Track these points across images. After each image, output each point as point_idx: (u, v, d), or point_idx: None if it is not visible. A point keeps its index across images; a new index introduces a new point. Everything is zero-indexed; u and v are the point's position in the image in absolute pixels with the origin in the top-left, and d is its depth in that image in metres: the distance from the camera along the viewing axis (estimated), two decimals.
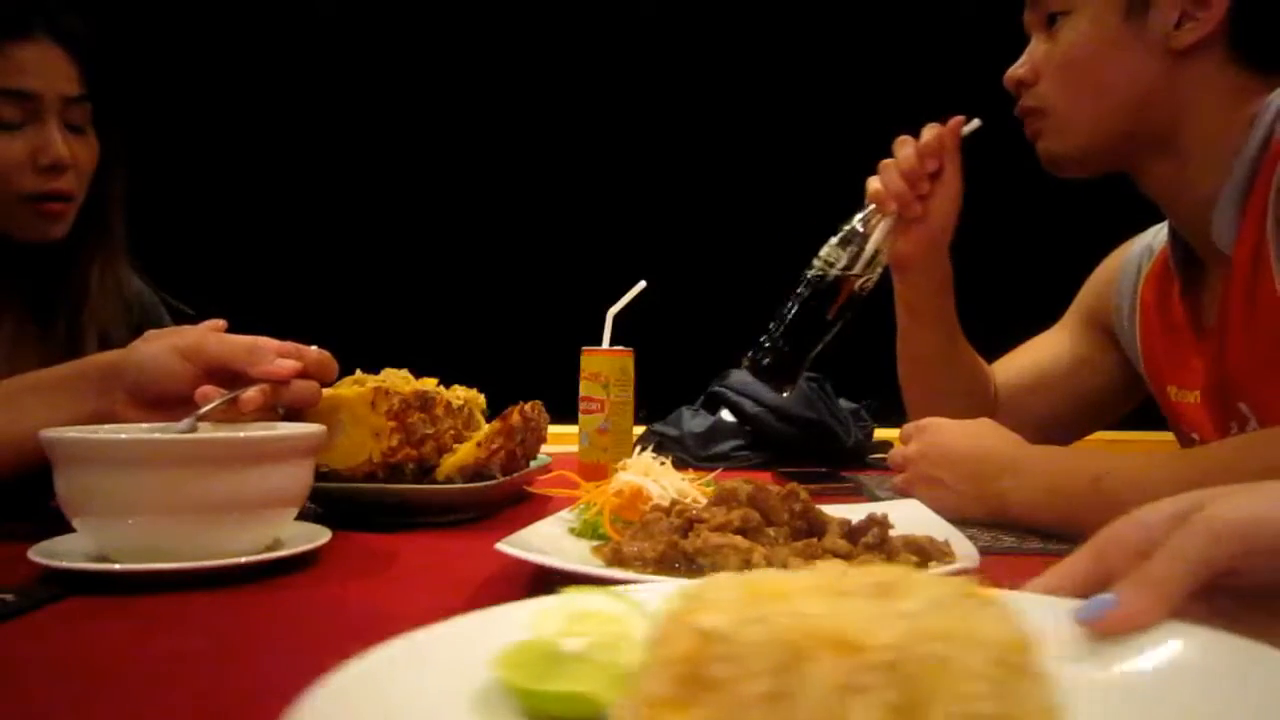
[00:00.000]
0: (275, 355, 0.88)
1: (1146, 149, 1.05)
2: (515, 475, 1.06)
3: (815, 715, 0.26)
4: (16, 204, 1.12)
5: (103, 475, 0.69)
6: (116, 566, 0.68)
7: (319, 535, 0.79)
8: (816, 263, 1.20)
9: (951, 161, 1.20)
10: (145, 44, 1.95)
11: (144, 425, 0.85)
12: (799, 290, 1.20)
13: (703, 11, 3.07)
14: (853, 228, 1.21)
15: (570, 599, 0.45)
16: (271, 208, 2.92)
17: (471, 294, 3.02)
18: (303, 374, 0.89)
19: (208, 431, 0.81)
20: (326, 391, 1.05)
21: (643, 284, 1.35)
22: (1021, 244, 2.58)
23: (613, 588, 0.49)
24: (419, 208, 3.09)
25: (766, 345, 1.20)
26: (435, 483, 0.99)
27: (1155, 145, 1.04)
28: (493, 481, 0.99)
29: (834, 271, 1.18)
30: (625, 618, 0.43)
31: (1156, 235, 1.25)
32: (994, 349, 1.41)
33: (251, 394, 0.85)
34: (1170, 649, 0.40)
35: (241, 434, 0.79)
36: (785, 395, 1.56)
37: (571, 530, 0.84)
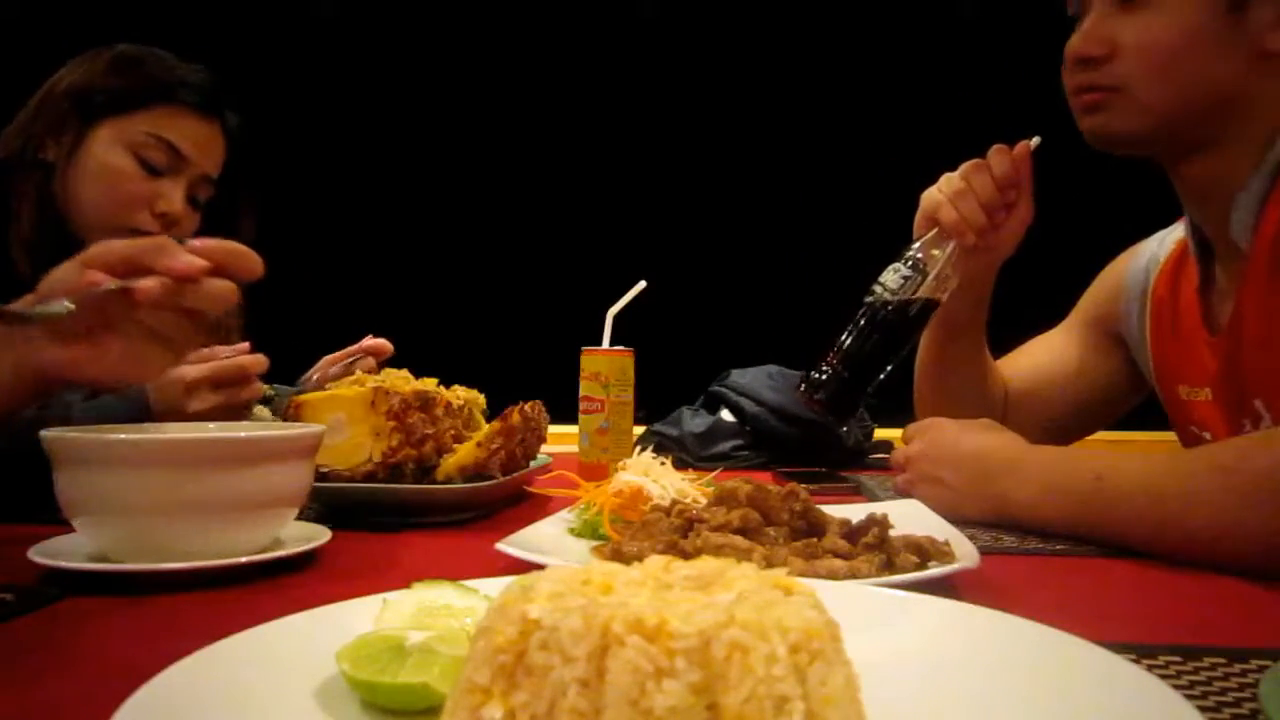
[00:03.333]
0: (184, 252, 0.77)
1: (1199, 140, 1.03)
2: (515, 475, 1.06)
3: (624, 695, 0.28)
4: (119, 233, 1.22)
5: (103, 475, 0.69)
6: (116, 566, 0.68)
7: (319, 535, 0.79)
8: (883, 291, 1.13)
9: (1025, 191, 1.17)
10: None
11: (144, 425, 0.85)
12: (867, 318, 1.13)
13: (702, 14, 3.07)
14: (920, 253, 1.15)
15: (419, 593, 0.46)
16: (273, 209, 2.91)
17: (472, 294, 3.02)
18: (217, 272, 0.78)
19: (209, 432, 0.81)
20: (326, 392, 1.05)
21: (643, 284, 1.35)
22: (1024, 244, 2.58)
23: (461, 582, 0.49)
24: (420, 209, 3.09)
25: (825, 377, 1.12)
26: (435, 483, 0.99)
27: (1209, 137, 1.03)
28: (493, 481, 0.99)
29: (914, 298, 1.13)
30: (473, 611, 0.44)
31: (1164, 239, 1.25)
32: (996, 348, 1.40)
33: (148, 283, 0.75)
34: (963, 633, 0.45)
35: (242, 434, 0.79)
36: (845, 430, 1.56)
37: (571, 530, 0.84)
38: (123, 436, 0.77)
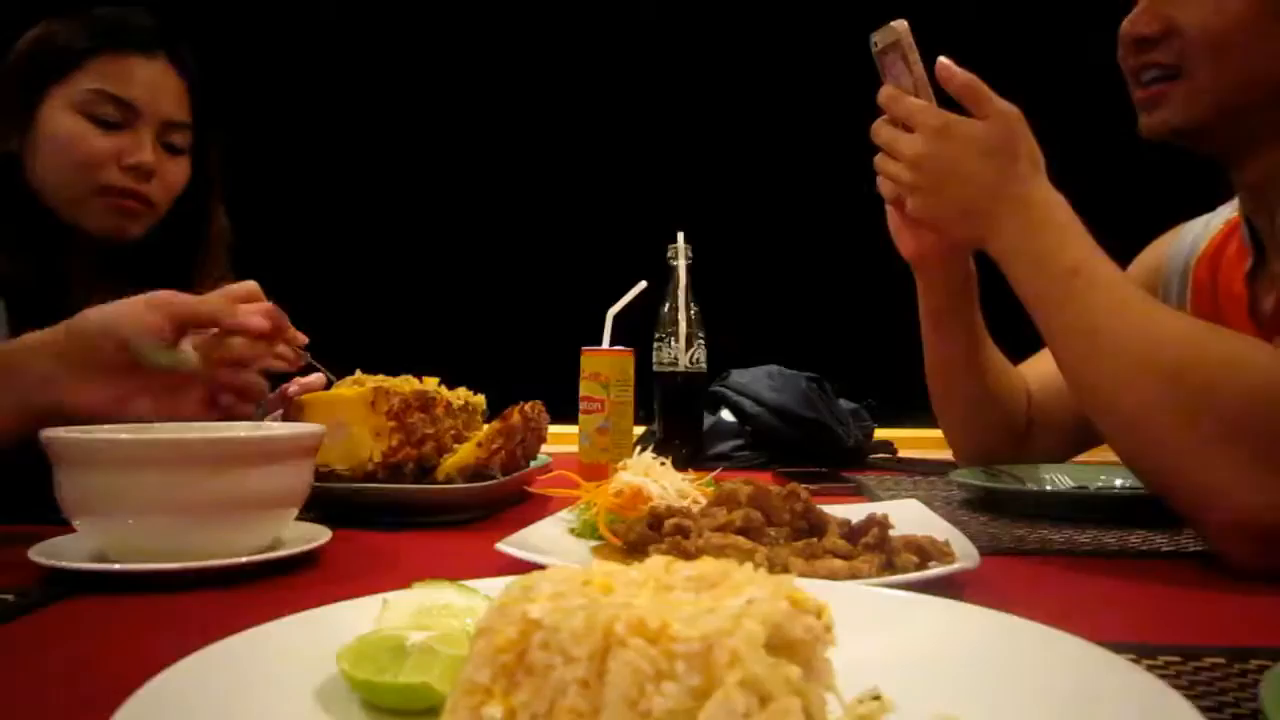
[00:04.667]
0: (251, 313, 0.92)
1: (1259, 134, 1.01)
2: (515, 475, 1.06)
3: (623, 696, 0.28)
4: (93, 195, 1.21)
5: (103, 475, 0.69)
6: (116, 566, 0.68)
7: (319, 535, 0.79)
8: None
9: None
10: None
11: (146, 425, 0.84)
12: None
13: (699, 14, 3.07)
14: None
15: (419, 593, 0.46)
16: (273, 210, 2.92)
17: (472, 295, 3.02)
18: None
19: (210, 432, 0.81)
20: (326, 392, 1.05)
21: (643, 284, 1.35)
22: None
23: (462, 582, 0.49)
24: (420, 210, 3.09)
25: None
26: (435, 483, 0.99)
27: (1268, 133, 1.00)
28: (493, 481, 0.99)
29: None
30: (473, 611, 0.44)
31: (1209, 222, 1.22)
32: (1018, 351, 1.37)
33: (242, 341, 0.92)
34: (962, 633, 0.45)
35: (242, 434, 0.79)
36: (845, 430, 1.59)
37: (572, 531, 0.84)
38: (123, 436, 0.76)
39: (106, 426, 0.81)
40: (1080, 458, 1.33)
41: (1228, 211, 1.15)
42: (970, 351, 1.26)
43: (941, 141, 0.96)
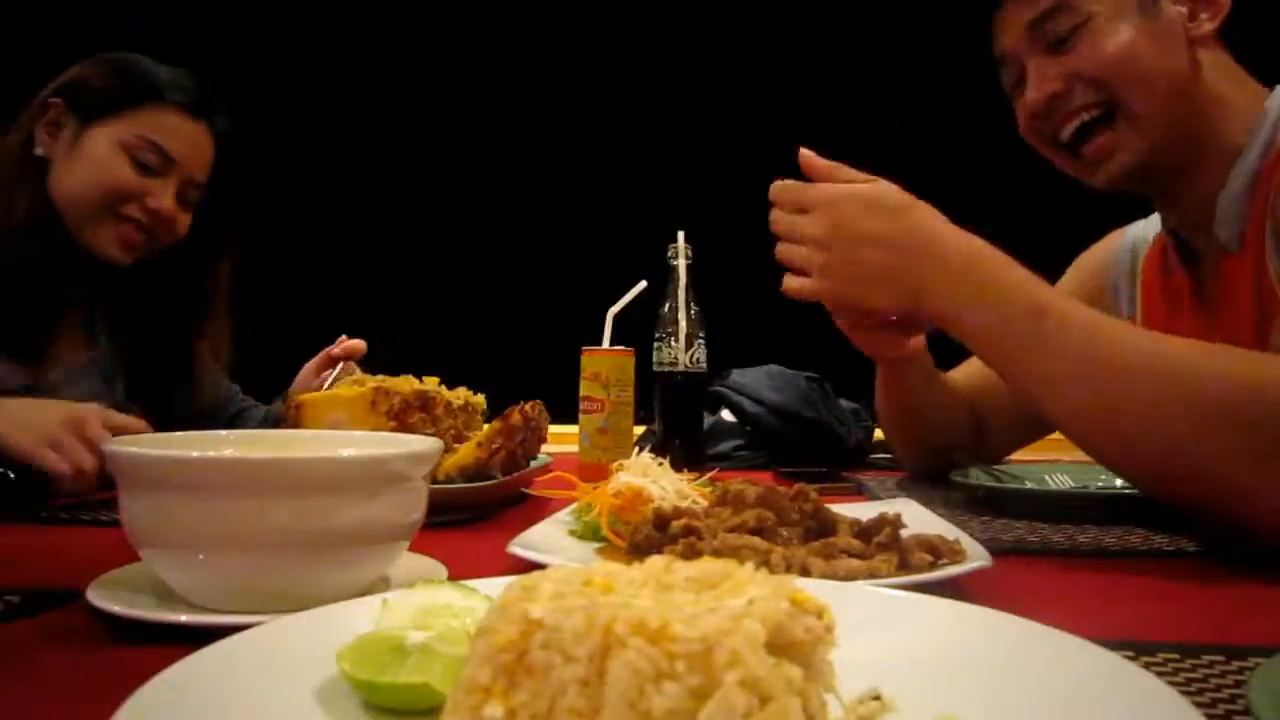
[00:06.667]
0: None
1: (1186, 157, 1.05)
2: (515, 475, 1.06)
3: (623, 696, 0.28)
4: (108, 218, 1.34)
5: (164, 501, 0.56)
6: (183, 619, 0.56)
7: (433, 572, 0.67)
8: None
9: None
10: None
11: (234, 436, 0.71)
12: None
13: (700, 14, 3.07)
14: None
15: (419, 593, 0.46)
16: (276, 212, 2.92)
17: (473, 295, 3.03)
18: None
19: (291, 451, 0.67)
20: (327, 392, 1.05)
21: (643, 284, 1.36)
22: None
23: (462, 582, 0.49)
24: (420, 210, 3.09)
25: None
26: (435, 482, 0.99)
27: (1192, 148, 1.05)
28: (493, 481, 0.99)
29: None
30: (473, 611, 0.44)
31: (1148, 223, 1.27)
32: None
33: None
34: (963, 632, 0.45)
35: (365, 453, 0.63)
36: (846, 430, 1.59)
37: (571, 532, 0.84)
38: (192, 454, 0.58)
39: (178, 436, 0.67)
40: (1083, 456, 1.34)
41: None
42: (922, 386, 1.28)
43: (839, 208, 0.92)
